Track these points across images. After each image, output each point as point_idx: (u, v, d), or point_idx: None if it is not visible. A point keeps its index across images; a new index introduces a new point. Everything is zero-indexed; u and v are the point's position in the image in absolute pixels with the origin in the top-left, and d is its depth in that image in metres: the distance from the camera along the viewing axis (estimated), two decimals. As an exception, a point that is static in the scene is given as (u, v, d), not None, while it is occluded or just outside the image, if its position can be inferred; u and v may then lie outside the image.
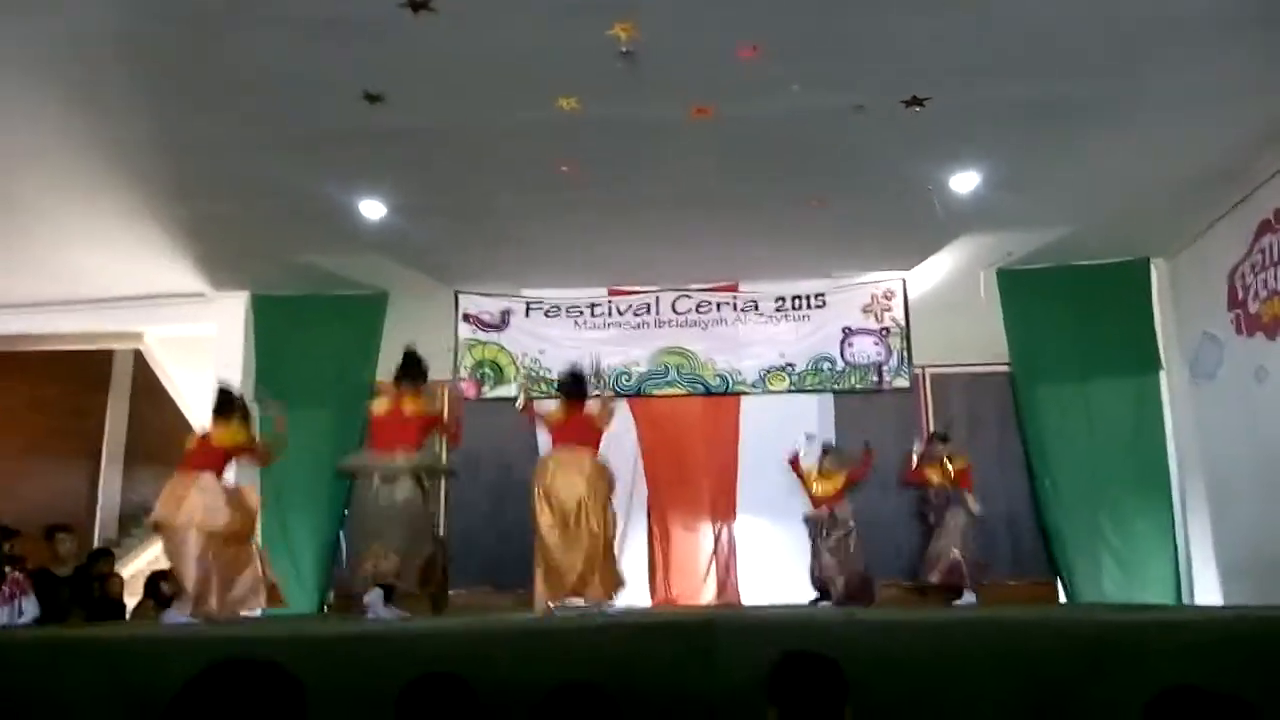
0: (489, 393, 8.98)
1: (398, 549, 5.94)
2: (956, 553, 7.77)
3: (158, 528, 5.93)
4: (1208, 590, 8.05)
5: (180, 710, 1.66)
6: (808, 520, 8.00)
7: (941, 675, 3.34)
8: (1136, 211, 7.53)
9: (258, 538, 6.60)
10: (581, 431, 6.50)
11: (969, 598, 7.68)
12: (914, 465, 8.26)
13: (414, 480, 6.18)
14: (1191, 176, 6.90)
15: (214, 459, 5.98)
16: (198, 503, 5.69)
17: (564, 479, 6.28)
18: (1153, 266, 8.67)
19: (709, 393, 8.91)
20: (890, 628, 3.98)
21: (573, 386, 6.71)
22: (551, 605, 6.22)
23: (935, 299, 8.85)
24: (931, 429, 8.61)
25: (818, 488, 7.96)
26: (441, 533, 8.66)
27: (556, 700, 2.48)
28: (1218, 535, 8.01)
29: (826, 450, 8.13)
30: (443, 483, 8.83)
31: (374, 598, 5.81)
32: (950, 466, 7.99)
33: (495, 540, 8.64)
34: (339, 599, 8.55)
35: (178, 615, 5.57)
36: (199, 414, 9.71)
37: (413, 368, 6.45)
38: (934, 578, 7.85)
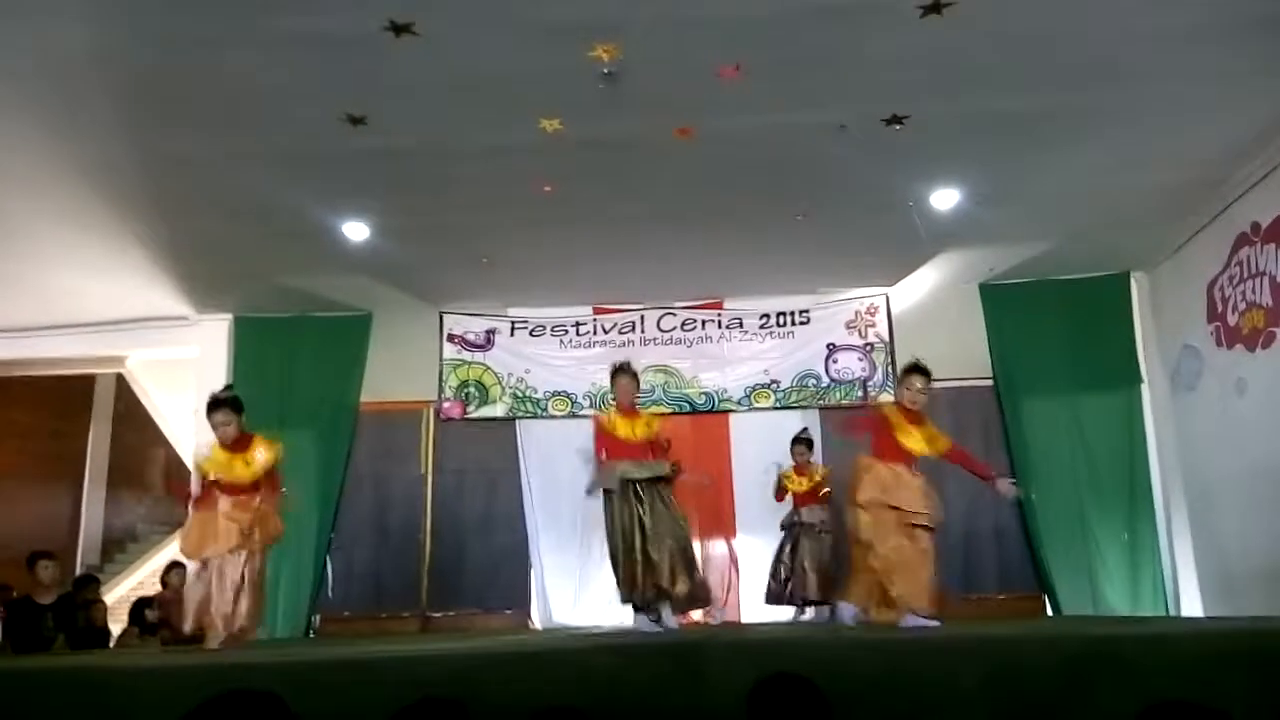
0: (474, 413, 8.97)
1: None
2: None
3: None
4: (1189, 601, 8.09)
5: None
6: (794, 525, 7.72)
7: (928, 691, 3.35)
8: (1116, 225, 7.60)
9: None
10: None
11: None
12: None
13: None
14: (1169, 190, 6.97)
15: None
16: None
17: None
18: (1133, 280, 8.74)
19: (695, 410, 8.92)
20: (877, 645, 3.98)
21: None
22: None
23: (919, 314, 8.90)
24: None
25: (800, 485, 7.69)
26: (427, 555, 8.66)
27: None
28: (1198, 546, 8.06)
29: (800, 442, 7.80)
30: (429, 502, 8.81)
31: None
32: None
33: (481, 563, 8.63)
34: (325, 622, 8.51)
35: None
36: (182, 438, 9.69)
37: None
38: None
